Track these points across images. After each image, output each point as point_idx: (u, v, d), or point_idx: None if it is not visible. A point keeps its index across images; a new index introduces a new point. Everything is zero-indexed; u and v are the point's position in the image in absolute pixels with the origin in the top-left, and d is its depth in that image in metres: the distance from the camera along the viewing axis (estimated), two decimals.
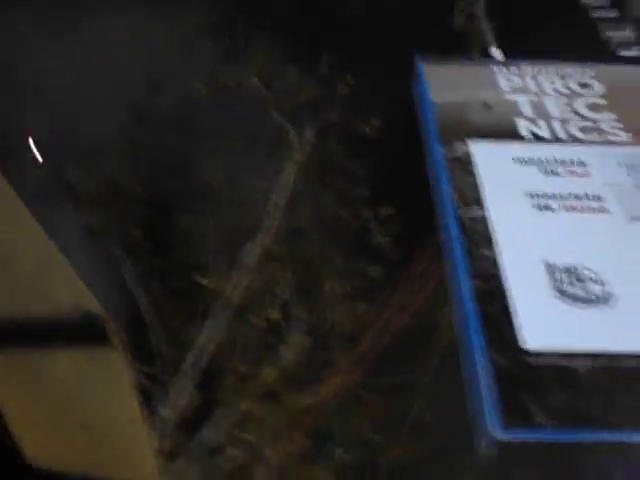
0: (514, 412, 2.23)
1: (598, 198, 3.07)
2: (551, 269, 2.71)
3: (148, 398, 8.33)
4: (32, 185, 8.41)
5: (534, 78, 3.48)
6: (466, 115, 3.24)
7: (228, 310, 8.71)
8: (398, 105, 8.33)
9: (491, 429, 2.16)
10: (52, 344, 1.93)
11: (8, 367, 1.86)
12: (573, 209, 3.01)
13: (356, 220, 9.01)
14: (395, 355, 10.83)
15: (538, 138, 3.33)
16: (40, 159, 9.11)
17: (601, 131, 3.38)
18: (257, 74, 9.11)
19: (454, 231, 2.92)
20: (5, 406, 1.85)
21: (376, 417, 9.96)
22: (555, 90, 3.51)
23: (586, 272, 2.67)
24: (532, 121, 3.32)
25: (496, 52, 4.62)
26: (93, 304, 2.03)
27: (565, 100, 3.45)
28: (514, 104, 3.36)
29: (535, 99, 3.40)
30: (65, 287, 1.96)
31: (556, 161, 3.17)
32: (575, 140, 3.32)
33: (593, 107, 3.39)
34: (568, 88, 3.49)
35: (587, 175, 3.16)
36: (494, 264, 2.75)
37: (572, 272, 2.68)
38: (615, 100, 3.46)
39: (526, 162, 3.19)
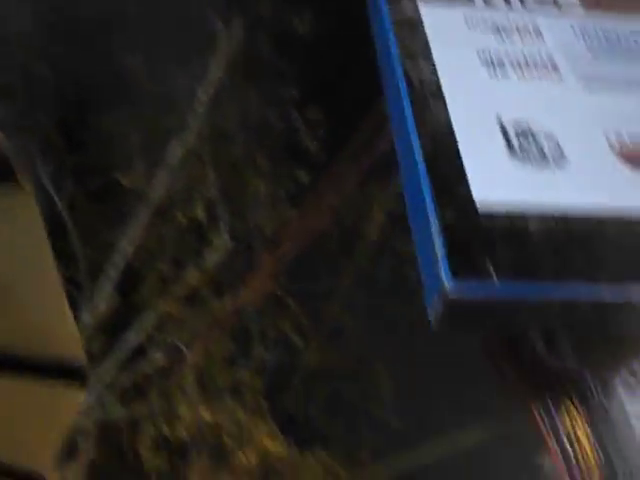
0: (467, 268, 2.20)
1: (552, 63, 3.05)
2: (504, 128, 2.68)
3: (68, 302, 8.10)
4: None
5: None
6: None
7: (150, 210, 8.45)
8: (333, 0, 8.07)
9: (444, 284, 2.13)
10: None
11: None
12: (526, 73, 2.98)
13: (284, 122, 8.80)
14: (317, 259, 10.94)
15: (491, 4, 3.25)
16: None
17: (556, 1, 3.33)
18: None
19: (403, 90, 2.79)
20: None
21: (297, 321, 10.12)
22: None
23: (539, 133, 2.66)
24: None
25: None
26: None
27: None
28: None
29: None
30: None
31: (510, 26, 3.10)
32: (529, 8, 3.26)
33: None
34: None
35: (541, 41, 3.12)
36: (445, 123, 2.68)
37: (525, 132, 2.66)
38: None
39: (479, 26, 3.10)
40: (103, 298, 8.31)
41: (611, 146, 2.71)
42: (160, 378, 8.61)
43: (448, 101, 2.82)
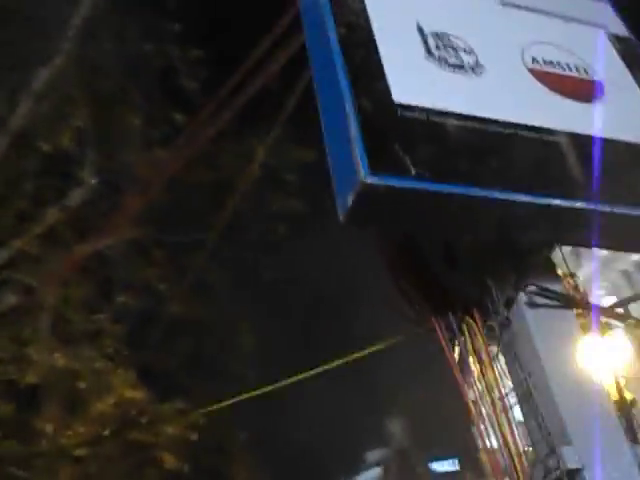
0: (384, 159, 2.18)
1: None
2: (423, 32, 2.69)
3: None
4: None
5: None
6: None
7: (9, 139, 7.77)
8: None
9: (361, 175, 2.09)
10: None
11: None
12: None
13: (163, 59, 8.38)
14: (187, 209, 10.65)
15: None
16: None
17: None
18: None
19: None
20: None
21: (162, 271, 9.82)
22: None
23: (457, 40, 2.70)
24: None
25: None
26: None
27: None
28: None
29: None
30: None
31: None
32: None
33: None
34: None
35: None
36: (363, 16, 2.63)
37: (444, 38, 2.69)
38: None
39: None
40: None
41: (526, 63, 2.80)
42: (12, 320, 8.03)
43: (368, 3, 2.79)
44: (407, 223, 2.45)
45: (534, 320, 2.58)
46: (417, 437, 69.80)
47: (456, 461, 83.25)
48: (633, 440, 2.58)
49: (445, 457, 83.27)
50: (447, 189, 2.28)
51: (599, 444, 2.23)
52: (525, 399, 2.53)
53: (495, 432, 2.61)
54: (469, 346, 2.68)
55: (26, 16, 7.80)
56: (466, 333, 2.70)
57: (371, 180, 2.15)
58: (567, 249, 2.88)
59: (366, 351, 4.76)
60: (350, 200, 2.19)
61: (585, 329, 2.85)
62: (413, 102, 2.41)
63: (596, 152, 2.45)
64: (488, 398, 2.58)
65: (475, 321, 2.70)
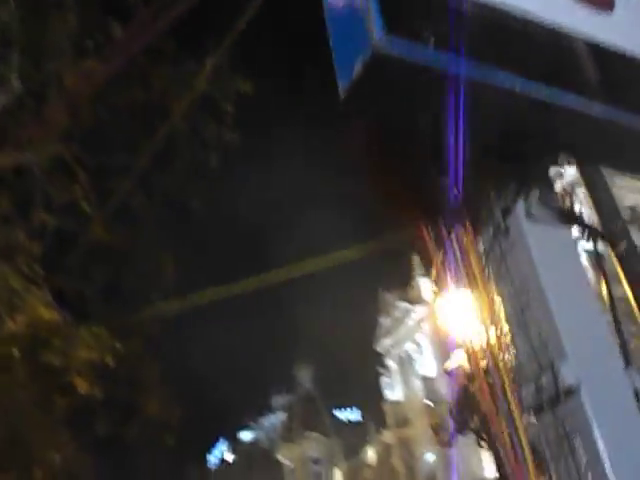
0: (401, 23, 2.00)
1: None
2: None
3: None
4: None
5: None
6: None
7: None
8: None
9: (373, 35, 1.90)
10: None
11: None
12: None
13: None
14: (117, 132, 10.17)
15: None
16: None
17: None
18: None
19: None
20: None
21: (85, 192, 9.39)
22: None
23: None
24: None
25: None
26: None
27: None
28: None
29: None
30: None
31: None
32: None
33: None
34: None
35: None
36: None
37: None
38: None
39: None
40: None
41: None
42: None
43: None
44: (411, 106, 2.27)
45: (532, 231, 2.51)
46: (322, 385, 71.43)
47: (358, 411, 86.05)
48: (627, 362, 2.60)
49: (348, 406, 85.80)
50: (464, 69, 2.10)
51: (595, 362, 2.20)
52: (516, 313, 2.48)
53: (484, 349, 2.56)
54: (457, 255, 2.59)
55: None
56: (455, 242, 2.61)
57: (385, 43, 1.93)
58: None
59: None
60: (356, 69, 1.98)
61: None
62: None
63: (611, 61, 2.36)
64: (478, 313, 2.52)
65: (465, 229, 2.61)
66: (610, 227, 2.78)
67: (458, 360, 5.93)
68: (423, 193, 2.67)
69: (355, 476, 52.65)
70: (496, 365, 2.58)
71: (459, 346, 6.24)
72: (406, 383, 45.85)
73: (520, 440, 2.44)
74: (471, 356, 6.01)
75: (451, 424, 5.87)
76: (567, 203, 2.72)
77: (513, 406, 2.47)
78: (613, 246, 2.76)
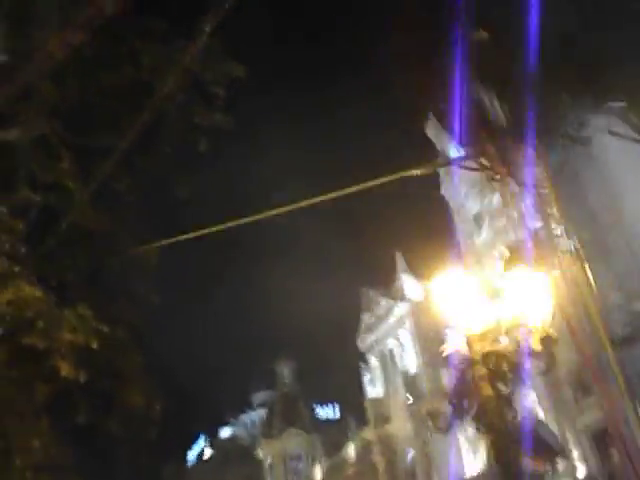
0: None
1: None
2: None
3: None
4: None
5: None
6: None
7: None
8: None
9: None
10: None
11: None
12: None
13: None
14: (103, 112, 9.91)
15: None
16: None
17: None
18: None
19: None
20: None
21: (67, 173, 9.13)
22: None
23: None
24: None
25: None
26: None
27: None
28: None
29: None
30: None
31: None
32: None
33: None
34: None
35: None
36: None
37: None
38: None
39: None
40: None
41: None
42: None
43: None
44: None
45: (613, 148, 2.31)
46: (303, 382, 71.36)
47: (337, 407, 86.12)
48: None
49: (328, 402, 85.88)
50: None
51: None
52: (593, 238, 2.29)
53: (565, 277, 2.37)
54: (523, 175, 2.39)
55: None
56: (524, 156, 2.40)
57: None
58: None
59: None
60: None
61: None
62: None
63: None
64: (546, 233, 2.33)
65: (534, 144, 2.40)
66: None
67: (456, 345, 5.78)
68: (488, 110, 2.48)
69: (335, 473, 52.58)
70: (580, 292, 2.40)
71: (458, 330, 6.11)
72: (387, 380, 45.83)
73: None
74: (471, 340, 5.91)
75: (449, 410, 5.72)
76: None
77: (603, 335, 2.29)
78: None
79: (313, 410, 73.56)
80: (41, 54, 7.09)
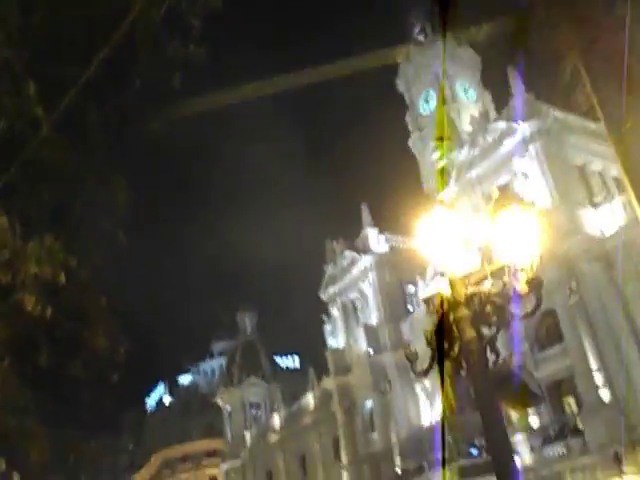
0: None
1: None
2: None
3: None
4: None
5: None
6: None
7: None
8: None
9: None
10: None
11: None
12: None
13: None
14: (70, 40, 9.39)
15: None
16: None
17: None
18: None
19: None
20: None
21: (35, 103, 8.65)
22: None
23: None
24: None
25: None
26: None
27: None
28: None
29: None
30: None
31: None
32: None
33: None
34: None
35: None
36: None
37: None
38: None
39: None
40: None
41: None
42: None
43: None
44: None
45: None
46: (263, 332, 71.72)
47: (298, 357, 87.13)
48: None
49: (288, 352, 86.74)
50: None
51: None
52: None
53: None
54: None
55: None
56: None
57: None
58: None
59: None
60: None
61: None
62: None
63: None
64: None
65: None
66: None
67: (437, 287, 5.64)
68: None
69: (294, 421, 53.36)
70: None
71: (440, 272, 5.97)
72: (348, 331, 46.27)
73: None
74: (454, 282, 5.80)
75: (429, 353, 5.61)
76: None
77: None
78: None
79: (273, 360, 74.25)
80: None
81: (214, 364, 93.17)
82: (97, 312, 11.02)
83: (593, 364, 30.08)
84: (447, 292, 5.75)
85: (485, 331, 5.48)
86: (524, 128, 34.64)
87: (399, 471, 36.95)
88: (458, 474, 31.11)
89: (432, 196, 43.01)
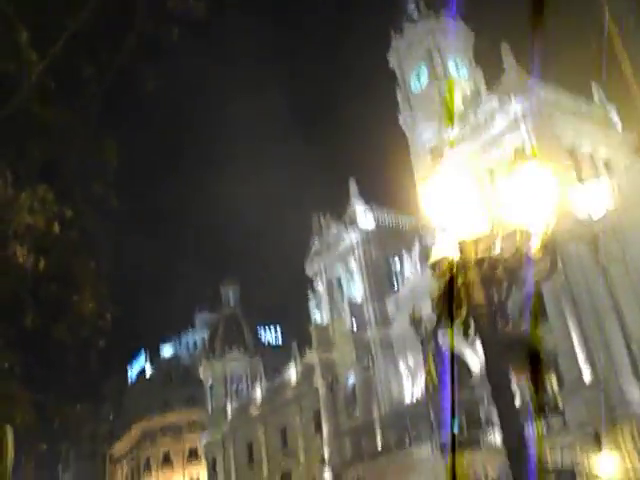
0: None
1: None
2: None
3: None
4: None
5: None
6: None
7: None
8: None
9: None
10: None
11: None
12: None
13: None
14: None
15: None
16: None
17: None
18: None
19: None
20: None
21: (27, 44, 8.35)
22: None
23: None
24: None
25: None
26: None
27: None
28: None
29: None
30: None
31: None
32: None
33: None
34: None
35: None
36: None
37: None
38: None
39: None
40: None
41: None
42: None
43: None
44: None
45: None
46: (247, 305, 71.62)
47: (281, 331, 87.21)
48: None
49: (272, 326, 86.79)
50: None
51: None
52: None
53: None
54: None
55: None
56: None
57: None
58: None
59: None
60: None
61: None
62: None
63: None
64: None
65: None
66: None
67: (444, 251, 5.45)
68: None
69: (276, 394, 53.51)
70: None
71: (449, 235, 5.78)
72: (333, 306, 46.26)
73: None
74: (464, 245, 5.62)
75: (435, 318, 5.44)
76: None
77: None
78: None
79: (256, 333, 74.25)
80: None
81: (196, 336, 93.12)
82: (85, 275, 10.79)
83: (576, 344, 30.30)
84: (455, 256, 5.58)
85: (496, 295, 5.32)
86: (516, 106, 34.47)
87: (380, 445, 37.20)
88: (439, 449, 31.38)
89: (422, 174, 42.85)
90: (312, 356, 46.20)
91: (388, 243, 44.53)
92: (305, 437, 48.96)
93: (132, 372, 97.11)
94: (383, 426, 38.01)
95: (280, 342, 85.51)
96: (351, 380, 43.09)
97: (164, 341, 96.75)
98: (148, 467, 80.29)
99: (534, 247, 5.13)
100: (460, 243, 5.52)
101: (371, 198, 46.89)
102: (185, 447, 78.08)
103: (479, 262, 5.37)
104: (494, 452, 31.65)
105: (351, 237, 44.97)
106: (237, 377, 63.52)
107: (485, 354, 5.22)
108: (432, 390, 34.82)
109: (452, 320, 5.22)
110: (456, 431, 33.33)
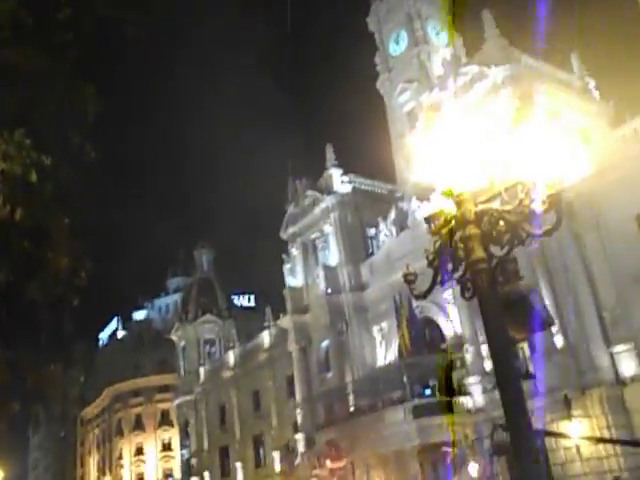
0: None
1: None
2: None
3: None
4: None
5: None
6: None
7: None
8: None
9: None
10: None
11: None
12: None
13: None
14: None
15: None
16: None
17: None
18: None
19: None
20: None
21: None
22: None
23: None
24: None
25: None
26: None
27: None
28: None
29: None
30: None
31: None
32: None
33: None
34: None
35: None
36: None
37: None
38: None
39: None
40: None
41: None
42: None
43: None
44: None
45: None
46: (221, 270, 71.28)
47: (255, 296, 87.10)
48: None
49: (246, 291, 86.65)
50: None
51: None
52: None
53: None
54: None
55: None
56: None
57: None
58: None
59: None
60: None
61: None
62: None
63: None
64: None
65: None
66: None
67: (439, 207, 5.25)
68: None
69: (249, 358, 53.59)
70: None
71: (444, 192, 5.58)
72: (307, 270, 46.14)
73: None
74: (463, 199, 5.43)
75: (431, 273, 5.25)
76: None
77: None
78: None
79: (230, 298, 74.09)
80: None
81: (169, 300, 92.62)
82: (59, 231, 10.44)
83: (549, 310, 30.63)
84: (451, 210, 5.39)
85: (496, 250, 5.15)
86: (495, 73, 34.22)
87: (352, 409, 37.48)
88: (412, 413, 31.68)
89: (399, 138, 42.59)
90: (286, 320, 46.20)
91: (364, 208, 44.36)
92: (278, 401, 49.21)
93: (103, 335, 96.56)
94: (356, 390, 38.25)
95: (254, 306, 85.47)
96: (325, 344, 43.22)
97: (137, 306, 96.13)
98: (120, 430, 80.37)
99: (538, 201, 4.95)
100: (457, 196, 5.33)
101: (348, 164, 46.57)
102: (157, 410, 78.22)
103: (479, 216, 5.19)
104: (469, 415, 32.15)
105: (327, 201, 44.69)
106: (210, 341, 63.46)
107: (483, 314, 5.06)
108: (405, 354, 35.09)
109: (445, 277, 5.04)
110: (429, 395, 33.73)
